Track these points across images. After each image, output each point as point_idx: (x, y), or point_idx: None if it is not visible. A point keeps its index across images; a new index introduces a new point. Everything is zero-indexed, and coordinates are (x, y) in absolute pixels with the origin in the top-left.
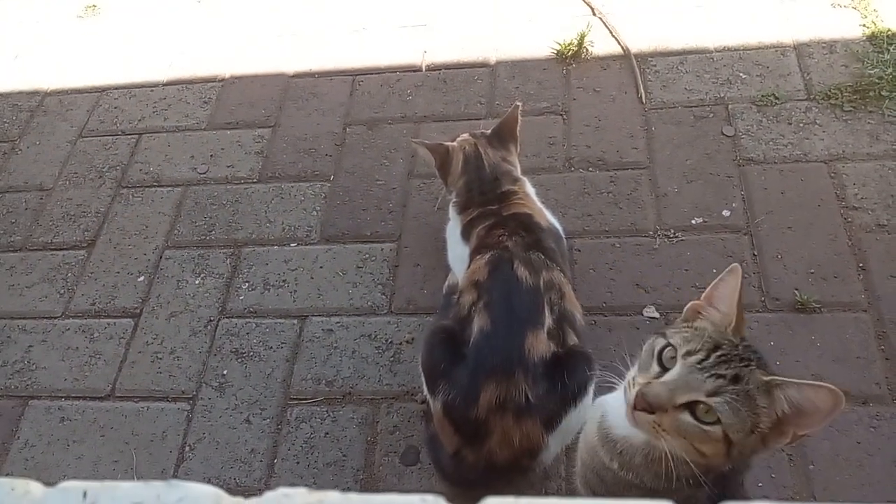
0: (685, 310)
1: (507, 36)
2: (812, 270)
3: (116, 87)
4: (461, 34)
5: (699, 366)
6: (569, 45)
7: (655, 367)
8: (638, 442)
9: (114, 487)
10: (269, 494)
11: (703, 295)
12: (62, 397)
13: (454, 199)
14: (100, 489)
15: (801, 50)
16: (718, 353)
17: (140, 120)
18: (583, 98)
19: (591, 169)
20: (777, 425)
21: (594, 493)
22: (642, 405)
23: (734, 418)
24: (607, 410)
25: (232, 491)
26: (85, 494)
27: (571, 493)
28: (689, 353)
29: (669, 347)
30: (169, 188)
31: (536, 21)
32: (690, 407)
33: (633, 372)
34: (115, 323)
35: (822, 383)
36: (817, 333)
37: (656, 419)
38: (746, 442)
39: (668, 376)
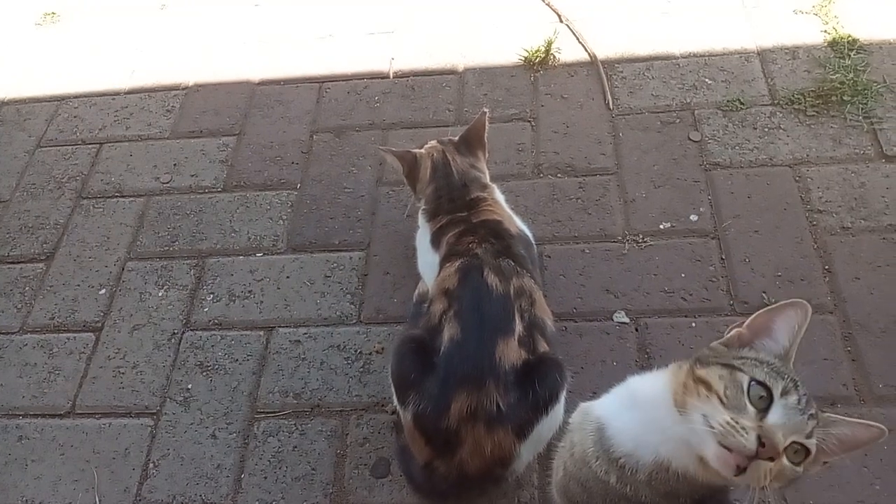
0: (728, 336)
1: (475, 43)
2: (779, 273)
3: (76, 96)
4: (429, 41)
5: (798, 406)
6: (536, 51)
7: (752, 409)
8: (647, 461)
9: None
10: None
11: (748, 323)
12: (20, 415)
13: (423, 207)
14: None
15: (764, 56)
16: (802, 391)
17: (101, 129)
18: (551, 104)
19: (559, 175)
20: (817, 455)
21: (573, 503)
22: (770, 454)
23: (815, 458)
24: (606, 427)
25: None
26: None
27: (545, 501)
28: (785, 393)
29: (757, 385)
30: (131, 198)
31: (504, 28)
32: (786, 449)
33: (684, 405)
34: (75, 337)
35: (871, 423)
36: None
37: (773, 467)
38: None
39: (776, 419)
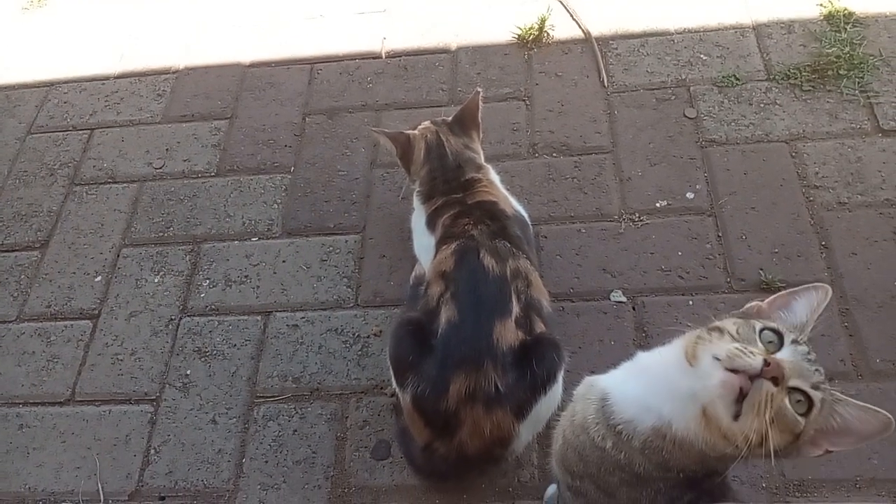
0: (748, 306)
1: (467, 21)
2: (776, 250)
3: (66, 81)
4: (420, 20)
5: (808, 356)
6: (530, 29)
7: (761, 345)
8: (645, 427)
9: None
10: None
11: (770, 300)
12: (20, 404)
13: (418, 189)
14: None
15: (760, 30)
16: (812, 353)
17: (91, 114)
18: (545, 83)
19: (555, 154)
20: (817, 436)
21: (570, 473)
22: (773, 373)
23: (818, 414)
24: (610, 395)
25: (200, 493)
26: None
27: (544, 480)
28: (795, 342)
29: (769, 331)
30: (124, 184)
31: (496, 5)
32: (789, 393)
33: (690, 351)
34: (72, 325)
35: (879, 409)
36: None
37: (777, 393)
38: (798, 443)
39: (783, 355)
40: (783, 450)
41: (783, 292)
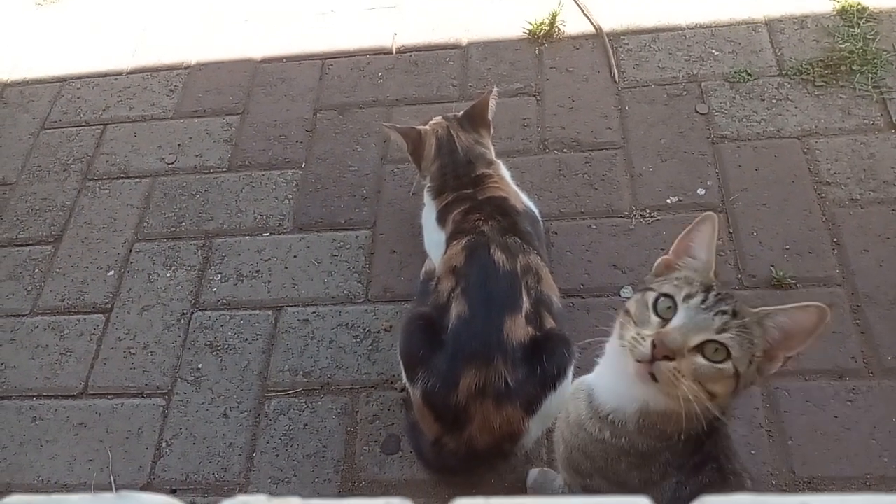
0: (656, 265)
1: (478, 16)
2: (787, 247)
3: (79, 77)
4: (431, 15)
5: (703, 306)
6: (540, 24)
7: (655, 319)
8: (631, 410)
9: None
10: (226, 502)
11: (672, 249)
12: (33, 397)
13: (428, 184)
14: (45, 503)
15: (772, 26)
16: (713, 293)
17: (104, 110)
18: (556, 78)
19: (565, 150)
20: (768, 352)
21: (579, 473)
22: (663, 353)
23: (741, 351)
24: (594, 389)
25: (211, 486)
26: None
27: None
28: (688, 297)
29: (664, 298)
30: (136, 179)
31: (507, 1)
32: (701, 349)
33: (619, 338)
34: (85, 319)
35: (808, 303)
36: None
37: (676, 365)
38: (749, 374)
39: (676, 321)
40: (748, 381)
41: (680, 237)
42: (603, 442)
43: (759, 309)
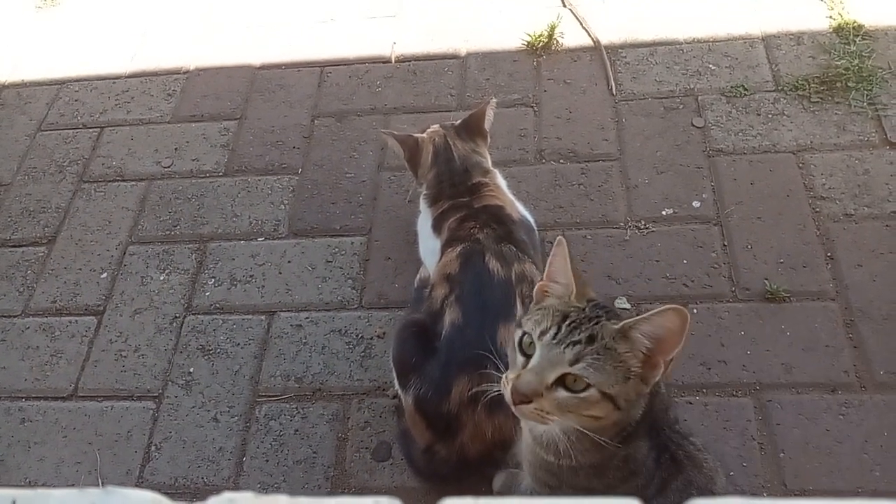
0: (534, 293)
1: (478, 27)
2: (781, 260)
3: (77, 80)
4: (431, 25)
5: (554, 341)
6: (539, 36)
7: (521, 359)
8: (554, 431)
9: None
10: (213, 499)
11: (545, 274)
12: (23, 398)
13: (425, 192)
14: (31, 497)
15: (769, 41)
16: (567, 322)
17: (102, 113)
18: (553, 90)
19: (562, 161)
20: (646, 361)
21: (548, 486)
22: (519, 398)
23: (602, 376)
24: None
25: (200, 490)
26: (14, 503)
27: None
28: (542, 333)
29: (526, 335)
30: (132, 182)
31: (506, 12)
32: (562, 382)
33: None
34: (77, 321)
35: (666, 307)
36: (787, 323)
37: (537, 406)
38: (628, 389)
39: (532, 362)
40: (631, 395)
41: (549, 258)
42: (550, 463)
43: (622, 323)
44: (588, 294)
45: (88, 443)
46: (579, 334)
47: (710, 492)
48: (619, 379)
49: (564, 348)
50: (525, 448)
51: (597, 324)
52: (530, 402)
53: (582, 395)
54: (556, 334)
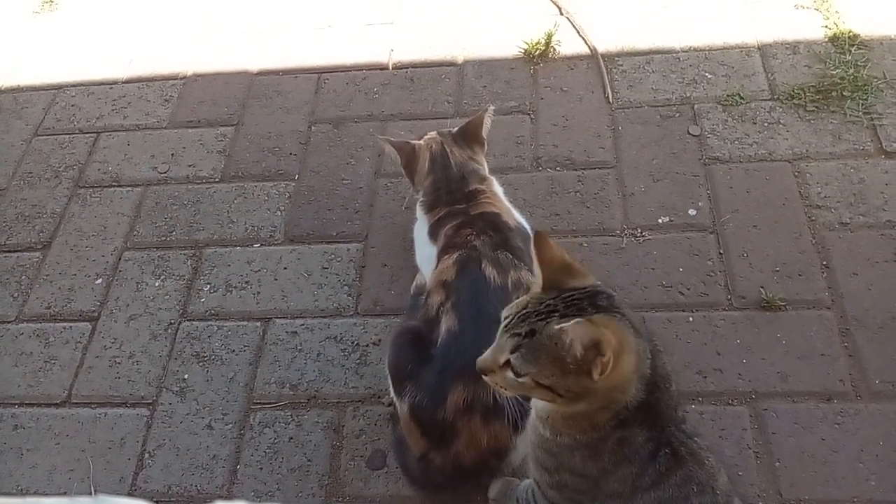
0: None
1: (475, 35)
2: (777, 269)
3: (74, 85)
4: (428, 32)
5: (506, 329)
6: (536, 44)
7: (499, 340)
8: (549, 408)
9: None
10: None
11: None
12: (15, 404)
13: (421, 199)
14: None
15: (765, 50)
16: (522, 313)
17: (98, 118)
18: (550, 97)
19: (558, 168)
20: (584, 361)
21: (546, 470)
22: (480, 370)
23: (533, 367)
24: None
25: (193, 498)
26: None
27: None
28: (504, 318)
29: (504, 318)
30: (128, 188)
31: (504, 20)
32: (508, 364)
33: None
34: (71, 327)
35: (577, 320)
36: (783, 331)
37: (492, 379)
38: (567, 382)
39: (498, 342)
40: (574, 387)
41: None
42: (548, 440)
43: (560, 325)
44: (568, 284)
45: (81, 450)
46: (522, 327)
47: (710, 488)
48: (554, 372)
49: (508, 338)
50: (530, 429)
51: (543, 319)
52: (486, 374)
53: (520, 380)
54: (507, 324)
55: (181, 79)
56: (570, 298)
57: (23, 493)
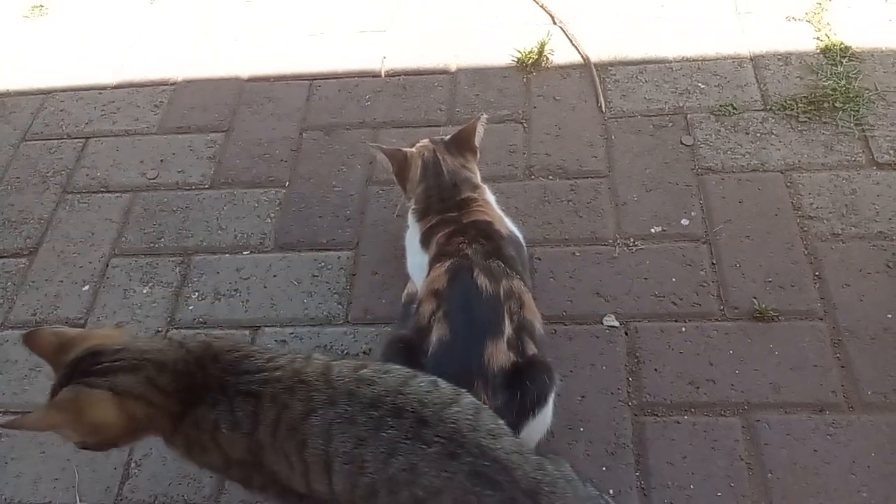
0: None
1: (468, 43)
2: (769, 279)
3: (63, 90)
4: (421, 41)
5: None
6: (529, 53)
7: None
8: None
9: None
10: None
11: None
12: (0, 412)
13: (413, 207)
14: None
15: (757, 61)
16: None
17: (87, 123)
18: (543, 106)
19: (551, 177)
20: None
21: (218, 471)
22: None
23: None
24: None
25: None
26: None
27: None
28: None
29: None
30: (117, 194)
31: (497, 29)
32: None
33: None
34: None
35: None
36: (775, 342)
37: None
38: (94, 438)
39: None
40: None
41: None
42: (184, 457)
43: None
44: (70, 357)
45: (67, 459)
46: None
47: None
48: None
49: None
50: None
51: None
52: None
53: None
54: None
55: (171, 84)
56: (62, 377)
57: (7, 502)
